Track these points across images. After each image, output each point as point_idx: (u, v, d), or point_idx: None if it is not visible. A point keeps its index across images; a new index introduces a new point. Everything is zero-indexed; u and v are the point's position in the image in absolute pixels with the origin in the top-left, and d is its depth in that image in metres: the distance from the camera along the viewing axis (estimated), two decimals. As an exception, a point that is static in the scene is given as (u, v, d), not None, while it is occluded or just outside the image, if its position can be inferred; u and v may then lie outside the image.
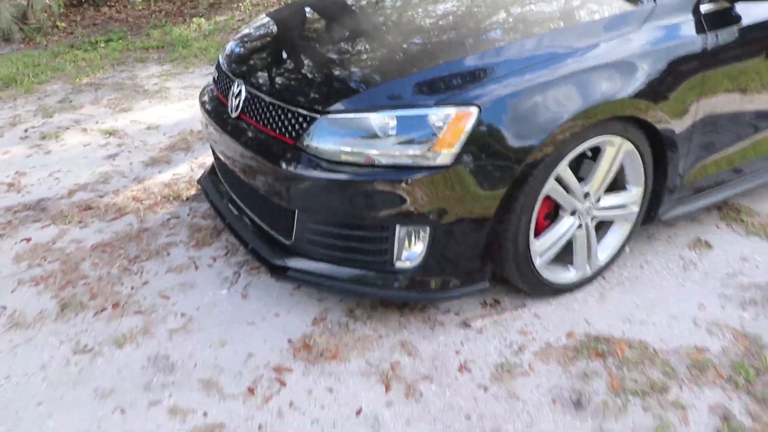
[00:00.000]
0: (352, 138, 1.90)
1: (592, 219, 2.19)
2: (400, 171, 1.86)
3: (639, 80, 2.00)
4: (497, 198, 1.89)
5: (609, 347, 1.98)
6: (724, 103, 2.25)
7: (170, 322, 2.15)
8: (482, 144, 1.84)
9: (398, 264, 1.99)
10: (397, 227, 1.93)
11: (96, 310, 2.21)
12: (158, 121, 4.10)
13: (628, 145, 2.11)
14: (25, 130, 3.98)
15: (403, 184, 1.84)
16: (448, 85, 1.88)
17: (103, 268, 2.46)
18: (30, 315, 2.19)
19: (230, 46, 2.66)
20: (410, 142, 1.85)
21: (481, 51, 1.97)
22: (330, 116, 1.92)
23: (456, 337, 2.06)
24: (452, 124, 1.82)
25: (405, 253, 1.98)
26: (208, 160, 3.46)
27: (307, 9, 2.84)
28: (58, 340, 2.07)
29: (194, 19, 6.89)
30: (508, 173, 1.87)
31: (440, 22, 2.28)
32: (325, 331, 2.08)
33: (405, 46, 2.14)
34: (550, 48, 1.95)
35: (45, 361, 1.97)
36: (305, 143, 1.96)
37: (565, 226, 2.13)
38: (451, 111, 1.82)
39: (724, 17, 2.17)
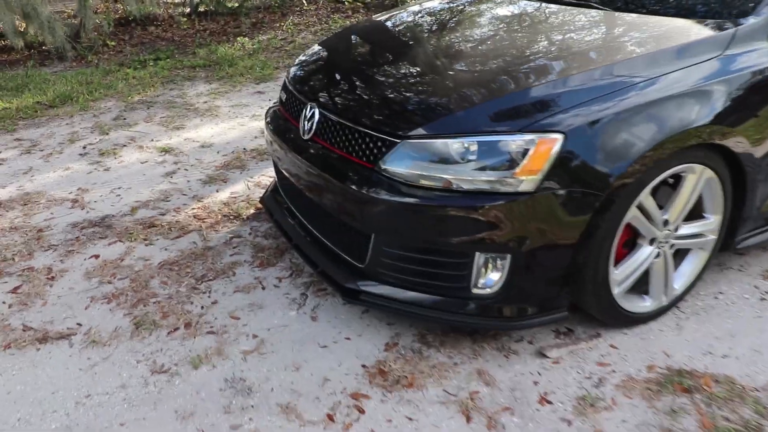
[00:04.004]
0: (432, 163, 1.90)
1: (671, 247, 2.15)
2: (481, 197, 1.85)
3: (721, 106, 1.97)
4: (581, 226, 1.86)
5: (694, 382, 1.92)
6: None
7: (243, 343, 2.15)
8: (566, 171, 1.82)
9: (475, 290, 1.97)
10: (477, 254, 1.91)
11: (169, 329, 2.22)
12: (211, 140, 4.17)
13: (709, 173, 2.07)
14: (84, 147, 4.07)
15: (485, 211, 1.83)
16: (531, 111, 1.86)
17: (171, 287, 2.48)
18: (105, 332, 2.22)
19: (296, 69, 2.69)
20: (491, 167, 1.84)
21: (563, 77, 1.95)
22: (410, 141, 1.92)
23: (532, 367, 2.02)
24: (536, 150, 1.80)
25: (482, 280, 1.96)
26: (264, 179, 3.50)
27: (369, 35, 2.87)
28: (135, 359, 2.08)
29: (238, 38, 7.02)
30: (591, 201, 1.84)
31: (516, 48, 2.28)
32: (398, 357, 2.07)
33: (482, 71, 2.14)
34: (633, 74, 1.92)
35: (124, 380, 1.99)
36: (384, 167, 1.96)
37: (644, 254, 2.09)
38: (536, 137, 1.81)
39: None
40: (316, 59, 2.72)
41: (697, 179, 2.06)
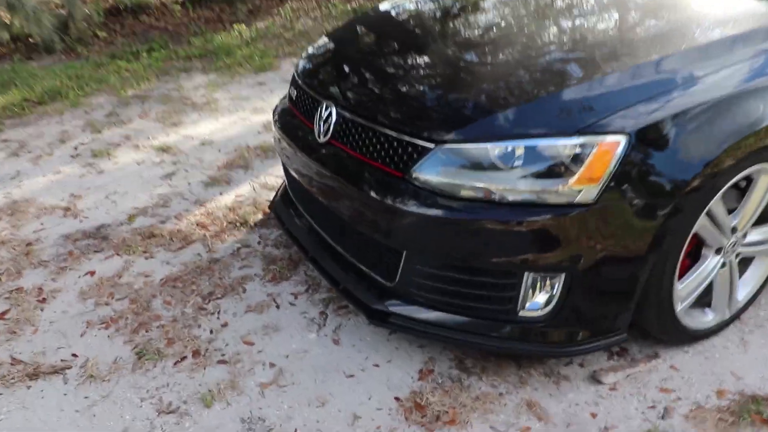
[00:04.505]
0: (472, 171, 1.65)
1: (737, 256, 1.92)
2: (531, 209, 1.61)
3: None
4: (648, 238, 1.62)
5: (773, 411, 1.70)
6: None
7: (259, 373, 1.92)
8: (631, 178, 1.57)
9: (523, 313, 1.74)
10: (526, 273, 1.67)
11: (176, 359, 1.99)
12: (211, 136, 3.90)
13: (783, 173, 1.84)
14: (75, 148, 3.81)
15: (536, 225, 1.59)
16: (588, 109, 1.61)
17: (176, 307, 2.25)
18: (104, 365, 1.98)
19: (306, 63, 2.43)
20: (542, 176, 1.59)
21: (621, 69, 1.69)
22: (447, 146, 1.68)
23: (587, 396, 1.80)
24: (596, 155, 1.56)
25: (531, 301, 1.73)
26: (271, 179, 3.25)
27: (382, 25, 2.55)
28: (139, 396, 1.85)
29: (234, 26, 6.70)
30: (659, 210, 1.60)
31: (558, 35, 2.01)
32: (436, 387, 1.84)
33: (524, 63, 1.87)
34: (702, 64, 1.67)
35: (126, 423, 1.76)
36: (416, 175, 1.71)
37: (710, 265, 1.86)
38: (595, 140, 1.56)
39: None
40: (327, 52, 2.45)
41: (770, 180, 1.82)
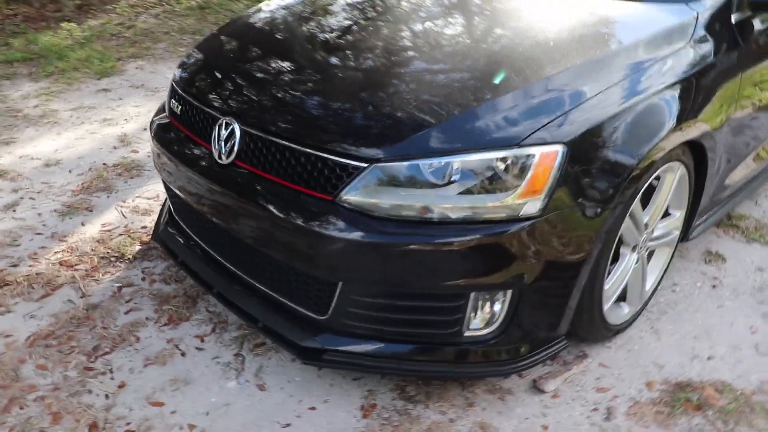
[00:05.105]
0: (409, 189, 1.53)
1: (647, 251, 2.02)
2: (475, 227, 1.52)
3: (700, 99, 1.85)
4: (588, 244, 1.62)
5: (699, 396, 1.80)
6: (749, 110, 2.17)
7: (178, 441, 1.64)
8: (571, 187, 1.56)
9: (468, 334, 1.66)
10: (472, 294, 1.60)
11: (67, 440, 1.63)
12: (57, 155, 3.36)
13: (683, 169, 1.96)
14: None
15: (482, 243, 1.52)
16: (525, 119, 1.56)
17: (55, 372, 1.85)
18: (-32, 463, 1.57)
19: (189, 72, 2.12)
20: (482, 191, 1.52)
21: (550, 79, 1.64)
22: (381, 164, 1.53)
23: (534, 407, 1.77)
24: (538, 167, 1.52)
25: (476, 321, 1.66)
26: (141, 202, 2.87)
27: (290, 21, 2.26)
28: (25, 497, 1.48)
29: (63, 24, 5.90)
30: (596, 216, 1.61)
31: (480, 42, 1.91)
32: (384, 424, 1.69)
33: (457, 76, 1.73)
34: (617, 70, 1.70)
35: None
36: (347, 198, 1.55)
37: (630, 262, 1.94)
38: (536, 151, 1.52)
39: (751, 26, 2.08)
40: (218, 58, 2.14)
41: (674, 177, 1.94)
